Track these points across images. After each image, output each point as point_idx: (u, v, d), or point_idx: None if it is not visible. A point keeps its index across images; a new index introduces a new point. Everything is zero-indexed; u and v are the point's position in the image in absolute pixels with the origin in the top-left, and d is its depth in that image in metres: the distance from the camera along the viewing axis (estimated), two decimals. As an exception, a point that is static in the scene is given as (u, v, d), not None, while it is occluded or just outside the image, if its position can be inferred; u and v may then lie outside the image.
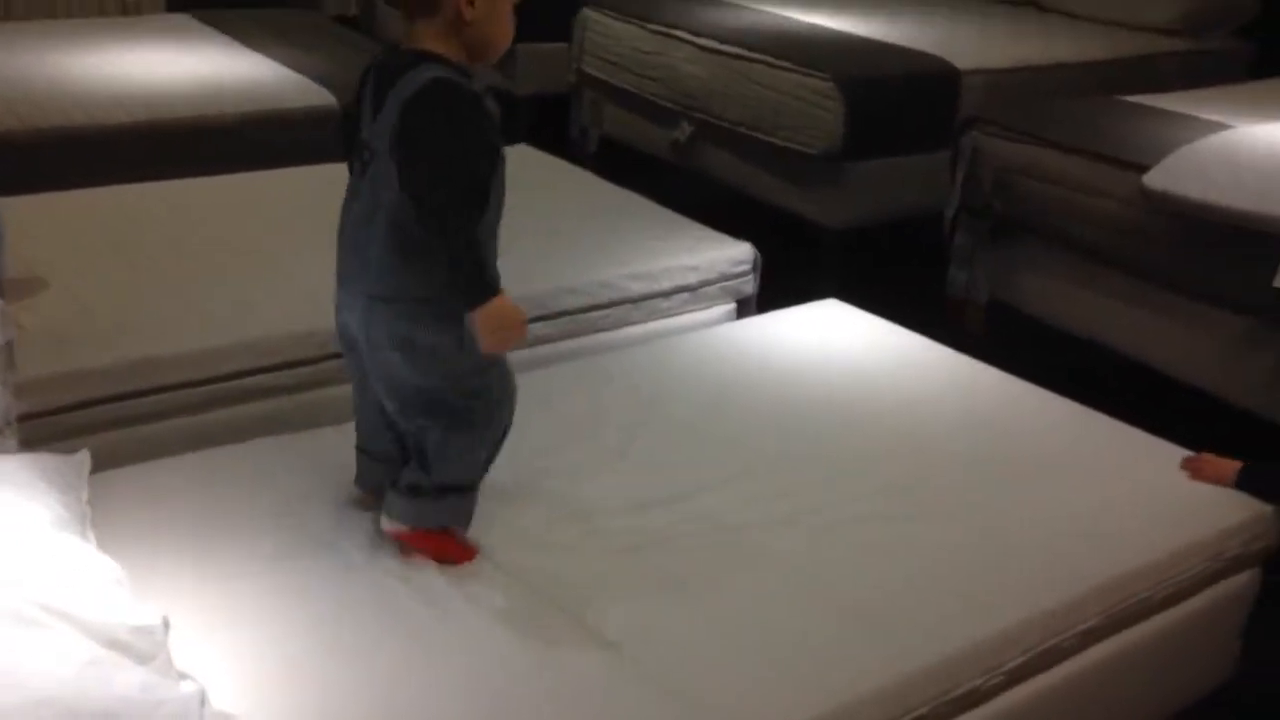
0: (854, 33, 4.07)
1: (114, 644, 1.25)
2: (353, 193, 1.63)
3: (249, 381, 2.19)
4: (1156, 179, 2.72)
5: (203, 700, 1.25)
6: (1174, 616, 1.80)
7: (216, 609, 1.54)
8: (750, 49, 3.77)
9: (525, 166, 2.86)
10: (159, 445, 2.01)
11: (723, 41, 3.86)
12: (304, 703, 1.40)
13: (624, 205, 2.99)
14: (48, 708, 1.14)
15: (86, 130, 3.15)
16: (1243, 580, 1.90)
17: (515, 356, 1.71)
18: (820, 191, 3.62)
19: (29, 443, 1.87)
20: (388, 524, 1.66)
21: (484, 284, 1.52)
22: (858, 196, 3.60)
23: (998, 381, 2.29)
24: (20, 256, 2.32)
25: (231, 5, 4.46)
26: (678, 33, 4.00)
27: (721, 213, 3.06)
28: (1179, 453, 2.05)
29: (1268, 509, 1.90)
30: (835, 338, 2.43)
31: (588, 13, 4.37)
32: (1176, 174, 2.71)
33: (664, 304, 2.63)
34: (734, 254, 2.74)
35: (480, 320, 1.52)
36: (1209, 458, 1.96)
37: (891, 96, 3.59)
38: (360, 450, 1.77)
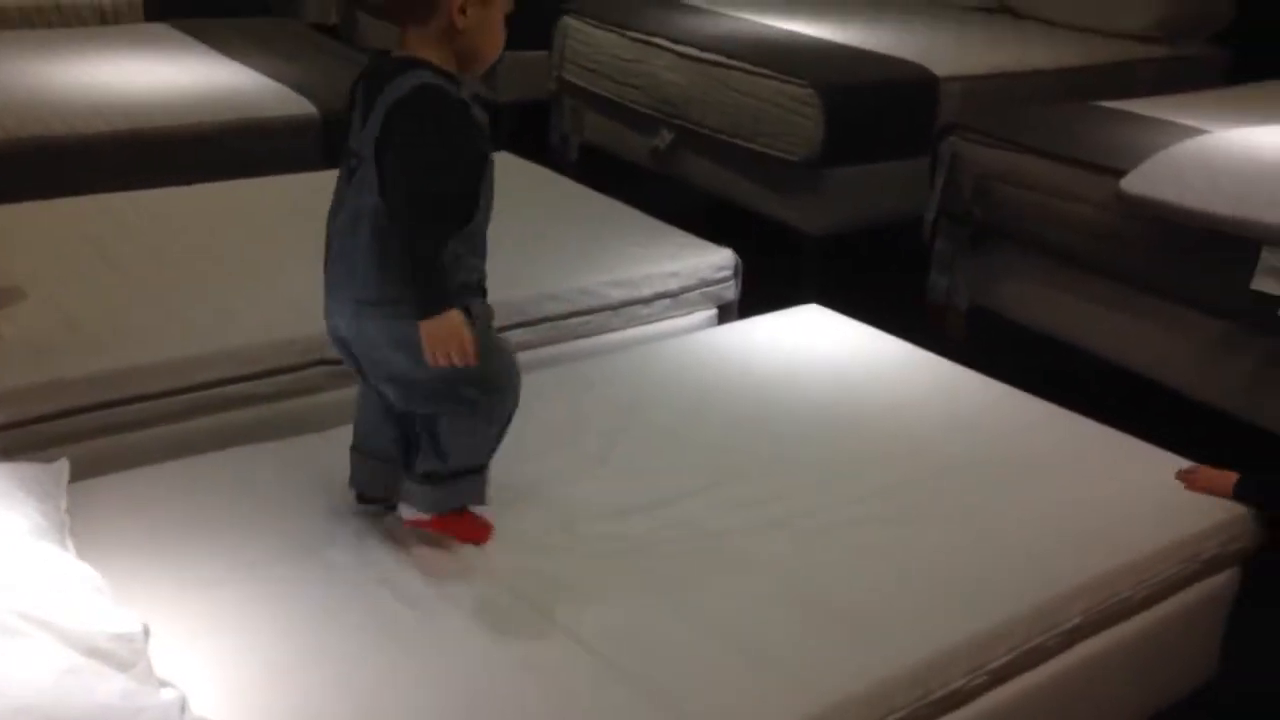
0: (833, 40, 4.09)
1: (94, 652, 1.24)
2: (339, 200, 1.64)
3: (230, 390, 2.18)
4: (1134, 184, 2.74)
5: (183, 707, 1.25)
6: (1155, 616, 1.81)
7: (198, 616, 1.53)
8: (730, 56, 3.79)
9: (506, 174, 2.83)
10: (141, 454, 2.00)
11: (702, 49, 3.88)
12: (285, 709, 1.39)
13: (605, 212, 2.99)
14: (27, 716, 1.13)
15: (65, 140, 3.13)
16: (1222, 580, 1.92)
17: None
18: (800, 198, 3.63)
19: (9, 452, 1.86)
20: (408, 513, 1.67)
21: (439, 295, 1.52)
22: (837, 203, 3.62)
23: (978, 385, 2.30)
24: (-1, 266, 2.32)
25: (210, 14, 4.45)
26: (657, 40, 4.02)
27: (702, 219, 3.07)
28: (1158, 454, 2.07)
29: (1245, 510, 1.91)
30: (816, 343, 2.44)
31: (568, 20, 4.38)
32: (1153, 179, 2.73)
33: (645, 310, 2.64)
34: (715, 260, 2.75)
35: (425, 330, 1.52)
36: (1204, 469, 1.95)
37: (870, 103, 3.61)
38: (355, 449, 1.77)
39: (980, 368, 2.35)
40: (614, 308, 2.59)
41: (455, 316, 1.52)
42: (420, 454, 1.67)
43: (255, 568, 1.63)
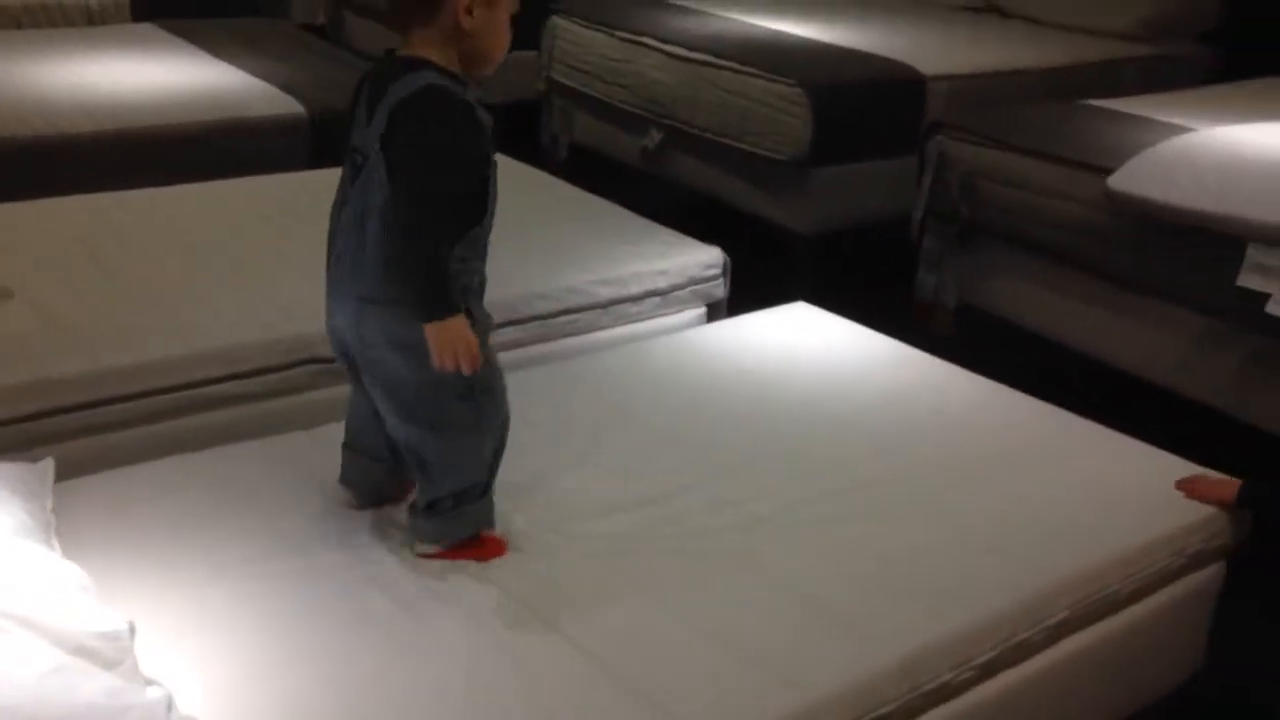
0: (820, 39, 4.10)
1: (79, 650, 1.24)
2: (342, 197, 1.63)
3: (216, 389, 2.17)
4: (1120, 181, 2.75)
5: (169, 706, 1.25)
6: (1141, 611, 1.82)
7: (184, 614, 1.53)
8: (718, 56, 3.79)
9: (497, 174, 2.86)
10: (127, 453, 1.99)
11: (691, 49, 3.88)
12: (272, 707, 1.39)
13: (594, 211, 3.00)
14: (12, 715, 1.13)
15: (52, 140, 3.13)
16: (1207, 574, 1.92)
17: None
18: (788, 196, 3.64)
19: (-6, 451, 1.86)
20: (420, 549, 1.66)
21: (444, 299, 1.52)
22: (825, 201, 3.62)
23: (966, 382, 2.30)
24: (-16, 266, 2.31)
25: (197, 15, 4.44)
26: (646, 40, 4.02)
27: (691, 218, 3.07)
28: (1144, 450, 2.08)
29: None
30: (805, 341, 2.45)
31: (557, 21, 4.38)
32: (1140, 176, 2.74)
33: (634, 309, 2.64)
34: (704, 258, 2.75)
35: (430, 334, 1.52)
36: (1202, 478, 1.93)
37: (858, 102, 3.62)
38: (347, 446, 1.77)
39: (968, 365, 2.36)
40: (603, 306, 2.59)
41: (460, 321, 1.52)
42: (419, 488, 1.67)
43: (242, 566, 1.62)
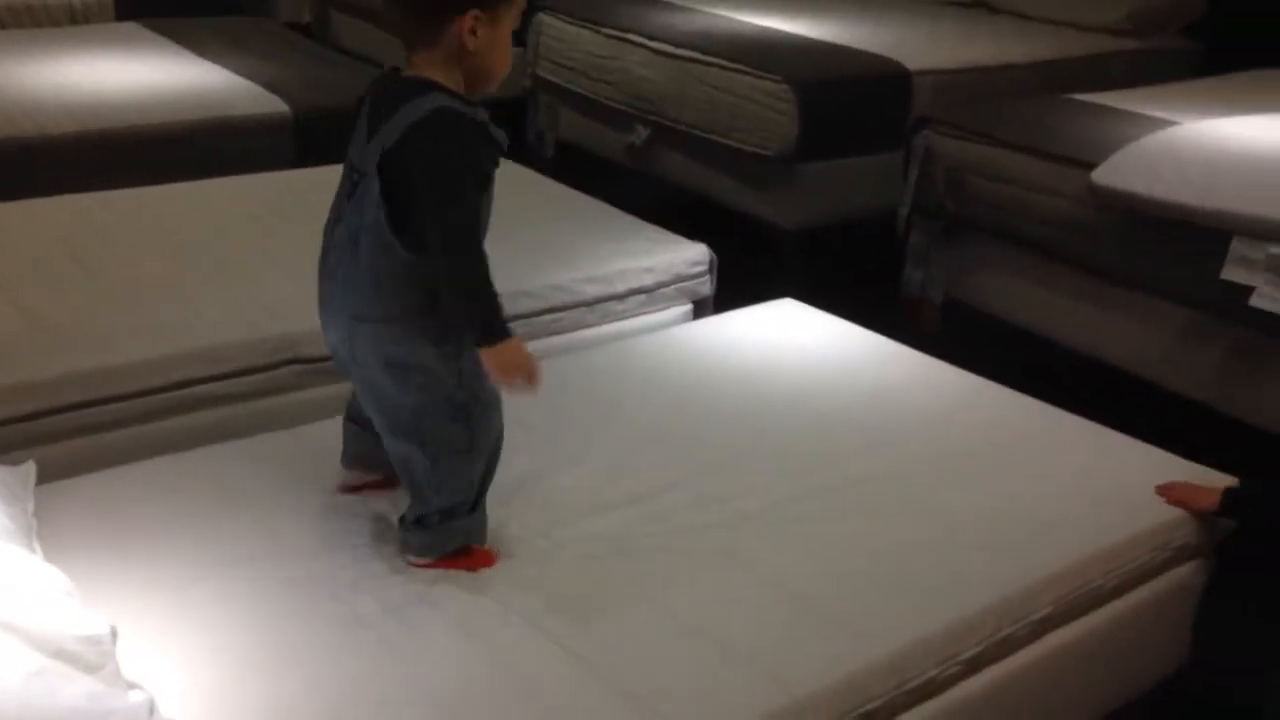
0: (807, 35, 4.10)
1: (60, 654, 1.23)
2: (337, 214, 1.62)
3: (201, 390, 2.17)
4: (1104, 176, 2.76)
5: (151, 709, 1.24)
6: (1126, 605, 1.82)
7: (167, 618, 1.52)
8: (704, 52, 3.79)
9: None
10: (110, 455, 1.98)
11: (677, 45, 3.88)
12: (257, 712, 1.39)
13: (580, 209, 2.99)
14: (-8, 719, 1.12)
15: (35, 140, 3.11)
16: (1191, 569, 1.93)
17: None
18: (775, 193, 3.64)
19: (-25, 454, 1.85)
20: (410, 560, 1.65)
21: (499, 321, 1.54)
22: (812, 197, 3.62)
23: (952, 377, 2.31)
24: (-34, 267, 2.30)
25: (181, 13, 4.42)
26: (632, 36, 4.01)
27: (678, 215, 3.07)
28: (1130, 444, 2.08)
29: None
30: (792, 337, 2.45)
31: (542, 17, 4.37)
32: (1124, 171, 2.75)
33: (620, 306, 2.64)
34: (690, 255, 2.75)
35: (489, 358, 1.54)
36: (1183, 483, 1.91)
37: (844, 98, 3.62)
38: (350, 420, 1.76)
39: (954, 360, 2.36)
40: (589, 304, 2.59)
41: (515, 342, 1.54)
42: (410, 502, 1.66)
43: (226, 568, 1.62)
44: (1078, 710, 1.84)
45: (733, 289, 2.84)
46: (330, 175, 2.87)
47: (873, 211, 3.55)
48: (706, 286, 2.78)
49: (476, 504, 1.66)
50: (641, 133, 4.00)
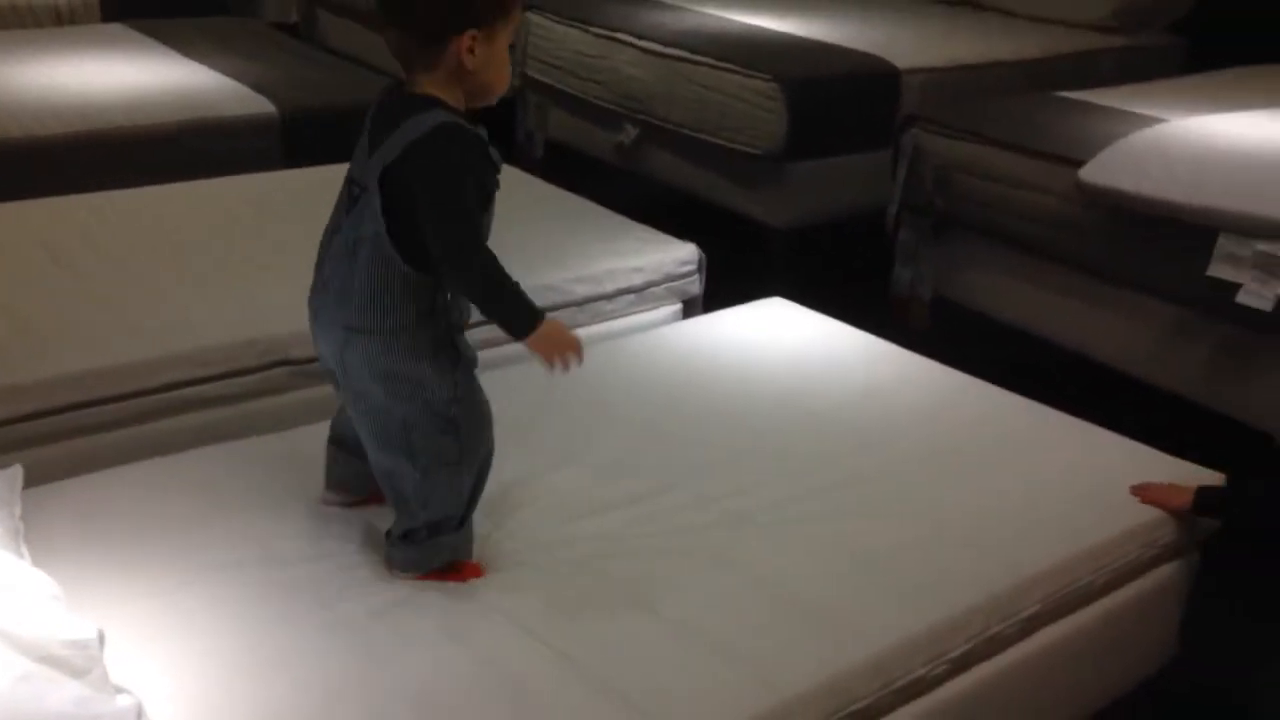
0: (795, 34, 4.10)
1: (47, 659, 1.22)
2: (335, 225, 1.63)
3: (189, 392, 2.16)
4: (1091, 173, 2.76)
5: (139, 713, 1.24)
6: (1114, 602, 1.83)
7: (155, 622, 1.52)
8: (693, 51, 3.79)
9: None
10: (97, 458, 1.97)
11: (666, 44, 3.88)
12: (243, 716, 1.38)
13: (569, 208, 2.99)
14: (-22, 725, 1.12)
15: (21, 142, 3.10)
16: (1180, 565, 1.93)
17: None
18: (764, 191, 3.64)
19: (-38, 459, 1.84)
20: (396, 574, 1.65)
21: (530, 310, 1.57)
22: (801, 196, 3.63)
23: (941, 376, 2.31)
24: (-48, 270, 2.29)
25: (168, 14, 4.41)
26: (621, 36, 4.01)
27: (667, 214, 3.07)
28: (1118, 441, 2.09)
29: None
30: (781, 336, 2.45)
31: (531, 16, 4.37)
32: (1112, 168, 2.76)
33: (609, 306, 2.64)
34: (679, 255, 2.75)
35: (536, 346, 1.57)
36: (1157, 484, 1.91)
37: (833, 96, 3.62)
38: (333, 442, 1.77)
39: (943, 358, 2.37)
40: (579, 304, 2.59)
41: (553, 323, 1.58)
42: (396, 517, 1.66)
43: (214, 572, 1.61)
44: (1066, 708, 1.84)
45: (722, 288, 2.84)
46: (318, 176, 2.91)
47: (861, 210, 3.56)
48: (696, 286, 2.78)
49: (464, 520, 1.66)
50: (630, 132, 4.00)
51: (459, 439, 1.62)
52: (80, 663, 1.25)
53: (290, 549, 1.68)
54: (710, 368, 2.29)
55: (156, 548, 1.66)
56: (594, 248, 2.71)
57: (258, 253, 2.57)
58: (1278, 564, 1.82)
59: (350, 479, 1.77)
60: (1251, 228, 2.49)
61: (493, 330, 2.39)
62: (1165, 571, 1.90)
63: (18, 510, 1.61)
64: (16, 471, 1.69)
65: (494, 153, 1.58)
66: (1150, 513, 1.88)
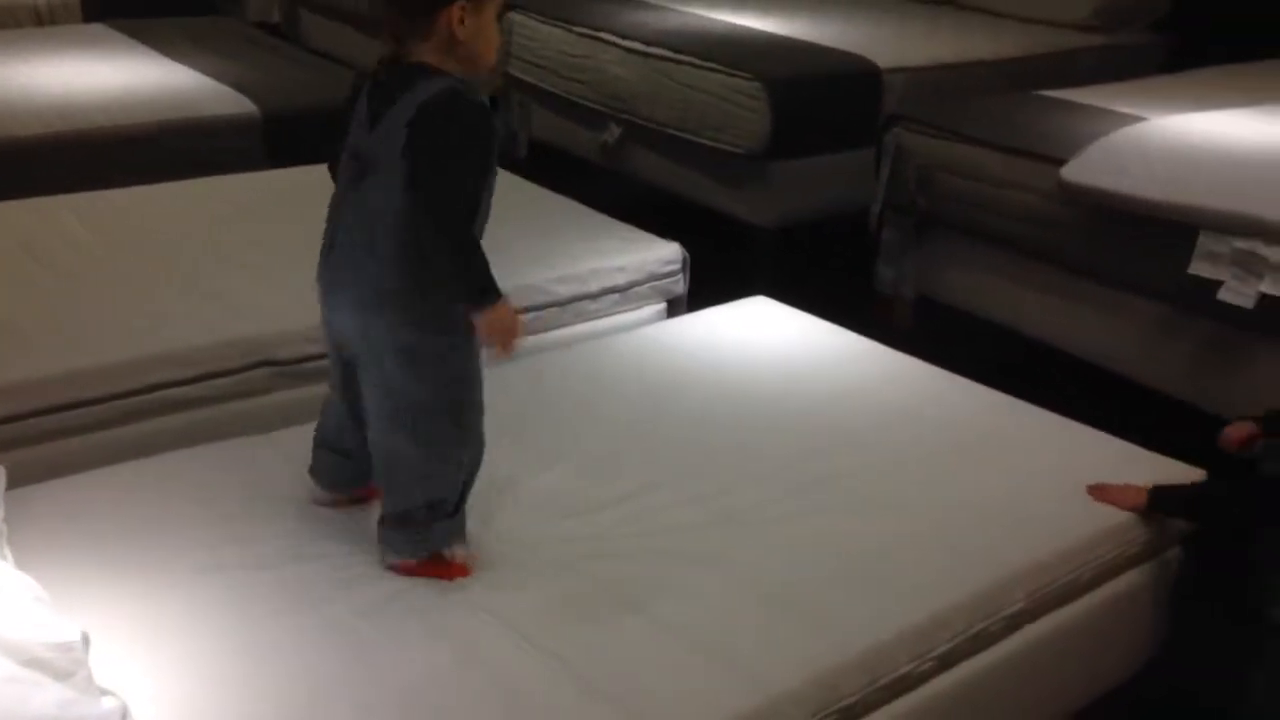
0: (778, 33, 4.11)
1: (31, 662, 1.22)
2: (344, 202, 1.63)
3: (171, 393, 2.15)
4: (1073, 172, 2.78)
5: (124, 716, 1.23)
6: (1099, 598, 1.84)
7: (140, 623, 1.51)
8: (676, 50, 3.79)
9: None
10: (80, 460, 1.97)
11: (649, 43, 3.88)
12: (230, 715, 1.38)
13: (553, 208, 2.99)
14: (-39, 729, 1.11)
15: (2, 143, 3.08)
16: (1164, 561, 1.94)
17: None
18: (748, 190, 3.65)
19: (-57, 461, 1.82)
20: (389, 561, 1.66)
21: (491, 286, 1.57)
22: (785, 195, 3.63)
23: (924, 374, 2.32)
24: (-68, 272, 2.28)
25: (149, 14, 4.38)
26: (604, 35, 4.01)
27: (651, 214, 3.07)
28: (1102, 438, 2.10)
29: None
30: (765, 335, 2.45)
31: (514, 16, 4.36)
32: (1092, 167, 2.77)
33: (594, 305, 2.64)
34: (663, 254, 2.75)
35: (487, 323, 1.57)
36: (1112, 484, 1.90)
37: (816, 96, 3.63)
38: (319, 443, 1.78)
39: (927, 357, 2.37)
40: (562, 303, 2.59)
41: (506, 304, 1.58)
42: (389, 500, 1.67)
43: (198, 574, 1.61)
44: (1051, 704, 1.85)
45: (706, 287, 2.84)
46: (300, 176, 2.90)
47: (845, 209, 3.56)
48: (680, 285, 2.78)
49: (458, 507, 1.67)
50: (614, 131, 3.99)
51: (461, 423, 1.64)
52: (64, 665, 1.25)
53: (275, 550, 1.67)
54: (695, 367, 2.29)
55: (141, 549, 1.65)
56: (578, 247, 2.71)
57: (240, 253, 2.56)
58: (1246, 563, 1.84)
59: (342, 482, 1.78)
60: (1231, 225, 2.51)
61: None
62: (1149, 568, 1.91)
63: (0, 512, 1.60)
64: (-1, 473, 1.68)
65: (497, 122, 1.59)
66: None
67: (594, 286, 2.62)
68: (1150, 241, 2.68)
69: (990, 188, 3.02)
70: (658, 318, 2.73)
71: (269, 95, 3.45)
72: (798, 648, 1.53)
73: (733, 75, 3.59)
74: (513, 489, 1.84)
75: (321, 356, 2.20)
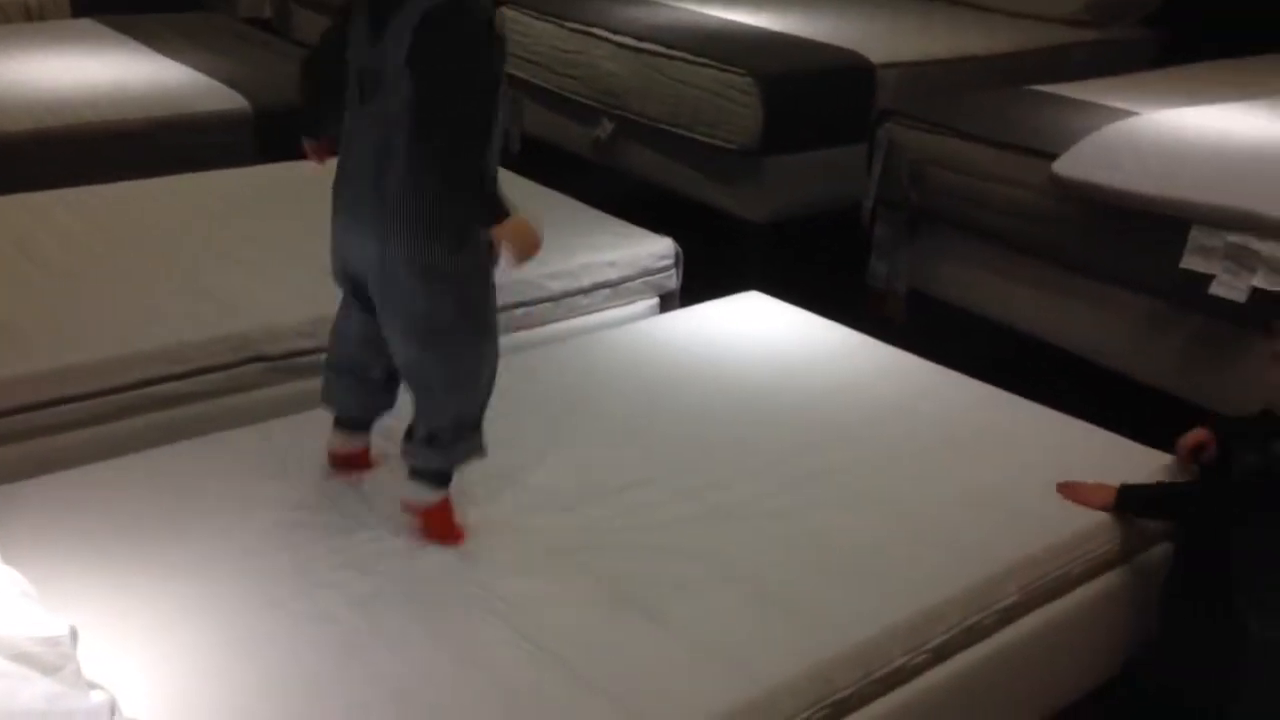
0: (771, 29, 4.10)
1: (19, 656, 1.21)
2: (355, 129, 1.63)
3: (162, 389, 2.14)
4: (1065, 166, 2.78)
5: (113, 710, 1.22)
6: (1091, 592, 1.84)
7: (129, 617, 1.51)
8: (669, 46, 3.79)
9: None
10: (70, 456, 1.96)
11: (642, 39, 3.87)
12: (220, 711, 1.37)
13: (545, 203, 2.98)
14: (-51, 724, 1.11)
15: (-9, 138, 3.07)
16: (1157, 554, 1.94)
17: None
18: (740, 186, 3.64)
19: (-69, 457, 1.82)
20: (408, 492, 1.70)
21: (501, 202, 1.57)
22: (777, 190, 3.63)
23: (917, 369, 2.32)
24: (-80, 267, 2.26)
25: (139, 9, 4.37)
26: (597, 31, 4.00)
27: (643, 209, 3.06)
28: (1093, 432, 2.10)
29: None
30: (757, 330, 2.45)
31: (506, 12, 4.35)
32: (1085, 161, 2.77)
33: (586, 300, 2.63)
34: (655, 249, 2.75)
35: (502, 236, 1.57)
36: (1079, 483, 1.89)
37: (808, 91, 3.62)
38: (330, 367, 1.80)
39: (920, 352, 2.37)
40: (555, 299, 2.58)
41: (519, 216, 1.58)
42: (420, 418, 1.69)
43: (187, 567, 1.60)
44: (1044, 697, 1.85)
45: (698, 282, 2.84)
46: (291, 171, 2.89)
47: (837, 204, 3.56)
48: (672, 280, 2.78)
49: (479, 422, 1.71)
50: (607, 127, 3.99)
51: (483, 334, 1.67)
52: (52, 659, 1.24)
53: (263, 542, 1.67)
54: (687, 362, 2.29)
55: (130, 543, 1.64)
56: (570, 242, 2.71)
57: (230, 248, 2.55)
58: (1225, 565, 1.84)
59: (350, 404, 1.81)
60: (1222, 220, 2.51)
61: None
62: (1144, 560, 1.91)
63: (-11, 508, 1.60)
64: (-13, 469, 1.67)
65: (504, 36, 1.59)
66: (1125, 502, 1.89)
67: (586, 281, 2.62)
68: (1142, 236, 2.68)
69: (982, 183, 3.01)
70: (650, 313, 2.73)
71: (260, 90, 3.44)
72: (792, 641, 1.53)
73: (725, 71, 3.58)
74: (504, 483, 1.83)
75: (313, 352, 2.21)
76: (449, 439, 1.68)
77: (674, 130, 3.73)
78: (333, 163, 1.71)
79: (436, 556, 1.67)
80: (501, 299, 2.46)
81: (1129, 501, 1.85)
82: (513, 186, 3.03)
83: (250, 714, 1.37)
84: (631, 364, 2.27)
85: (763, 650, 1.51)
